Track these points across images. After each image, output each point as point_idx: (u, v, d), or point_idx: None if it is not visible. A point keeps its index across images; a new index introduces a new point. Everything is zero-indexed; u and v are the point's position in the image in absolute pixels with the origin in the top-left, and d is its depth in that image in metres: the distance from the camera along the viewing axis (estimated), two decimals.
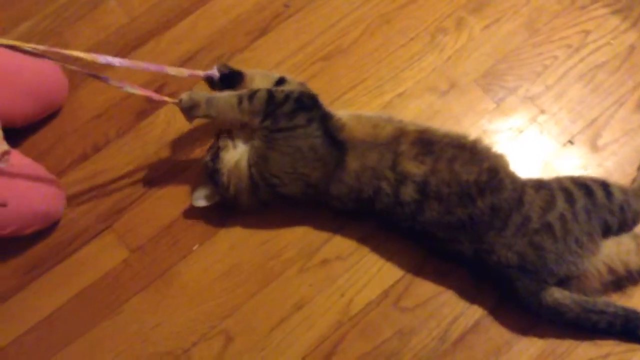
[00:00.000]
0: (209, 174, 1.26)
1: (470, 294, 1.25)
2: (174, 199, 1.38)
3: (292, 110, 1.23)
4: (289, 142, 1.22)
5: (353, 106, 1.43)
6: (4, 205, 1.23)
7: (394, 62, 1.46)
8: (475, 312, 1.24)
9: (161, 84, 1.48)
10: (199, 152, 1.41)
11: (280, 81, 1.33)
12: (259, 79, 1.34)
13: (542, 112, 1.40)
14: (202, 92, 1.25)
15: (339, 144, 1.22)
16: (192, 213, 1.36)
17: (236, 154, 1.26)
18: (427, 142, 1.20)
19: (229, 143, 1.27)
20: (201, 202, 1.29)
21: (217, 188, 1.27)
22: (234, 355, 1.25)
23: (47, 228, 1.36)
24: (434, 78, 1.44)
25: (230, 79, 1.33)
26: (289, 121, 1.22)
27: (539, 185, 1.19)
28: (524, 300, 1.17)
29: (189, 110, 1.24)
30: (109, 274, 1.33)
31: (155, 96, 1.26)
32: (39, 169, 1.36)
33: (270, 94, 1.24)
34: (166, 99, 1.26)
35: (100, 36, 1.54)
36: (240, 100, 1.23)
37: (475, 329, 1.23)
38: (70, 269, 1.34)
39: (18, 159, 1.33)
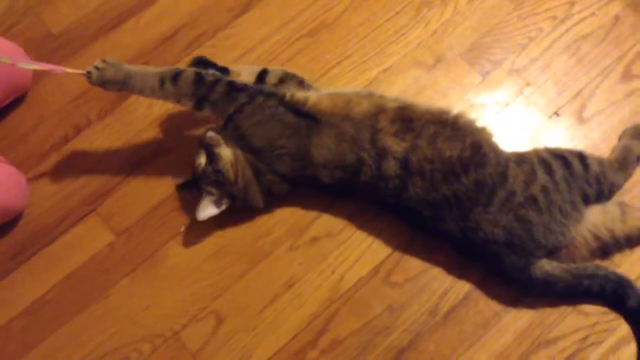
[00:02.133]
0: (212, 178, 1.20)
1: (458, 267, 1.26)
2: (159, 181, 1.35)
3: (226, 92, 1.20)
4: (247, 121, 1.20)
5: (339, 82, 1.41)
6: None
7: (380, 36, 1.45)
8: (464, 286, 1.25)
9: (144, 61, 1.45)
10: (184, 131, 1.39)
11: (263, 72, 1.31)
12: (246, 74, 1.31)
13: (528, 84, 1.40)
14: (121, 65, 1.17)
15: (306, 114, 1.21)
16: (177, 195, 1.34)
17: (230, 148, 1.21)
18: (407, 119, 1.20)
19: (220, 139, 1.20)
20: (209, 212, 1.22)
21: (225, 187, 1.21)
22: (225, 336, 1.25)
23: (9, 222, 1.33)
24: (419, 52, 1.43)
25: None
26: (231, 103, 1.19)
27: (520, 159, 1.19)
28: (514, 276, 1.18)
29: (101, 86, 1.17)
30: (95, 258, 1.31)
31: (57, 69, 1.18)
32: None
33: (198, 75, 1.19)
34: (70, 70, 1.18)
35: (78, 14, 1.50)
36: (162, 82, 1.17)
37: (464, 302, 1.24)
38: (55, 253, 1.32)
39: None
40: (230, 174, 1.20)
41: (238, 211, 1.30)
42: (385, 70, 1.42)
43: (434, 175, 1.16)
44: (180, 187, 1.26)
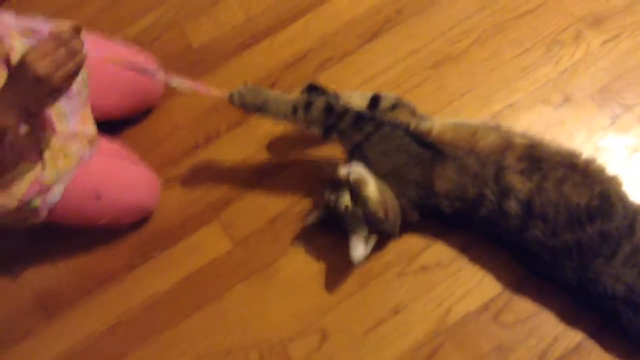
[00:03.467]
0: (361, 219, 1.19)
1: (573, 315, 1.22)
2: (278, 195, 1.41)
3: (354, 121, 1.22)
4: (374, 150, 1.22)
5: (461, 115, 1.41)
6: (97, 197, 1.29)
7: (506, 71, 1.44)
8: (577, 334, 1.21)
9: (273, 81, 1.53)
10: (306, 149, 1.44)
11: (375, 98, 1.33)
12: (357, 98, 1.34)
13: None
14: (259, 90, 1.24)
15: (431, 145, 1.22)
16: (295, 210, 1.39)
17: (373, 183, 1.20)
18: (535, 159, 1.17)
19: (364, 175, 1.20)
20: (361, 251, 1.20)
21: (377, 226, 1.21)
22: (329, 352, 1.27)
23: (140, 221, 1.43)
24: (547, 90, 1.41)
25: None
26: (358, 132, 1.22)
27: None
28: (630, 333, 1.13)
29: (239, 107, 1.24)
30: (213, 262, 1.39)
31: (203, 89, 1.25)
32: (135, 160, 1.42)
33: (328, 105, 1.23)
34: (215, 92, 1.25)
35: (218, 32, 1.60)
36: (294, 110, 1.23)
37: (576, 352, 1.20)
38: (178, 253, 1.41)
39: (116, 151, 1.39)
40: (381, 214, 1.19)
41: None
42: (510, 105, 1.41)
43: (557, 220, 1.13)
44: (311, 226, 1.29)
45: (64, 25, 0.99)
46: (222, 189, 1.44)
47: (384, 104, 1.32)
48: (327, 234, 1.34)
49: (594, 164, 1.18)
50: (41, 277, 1.44)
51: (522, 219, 1.15)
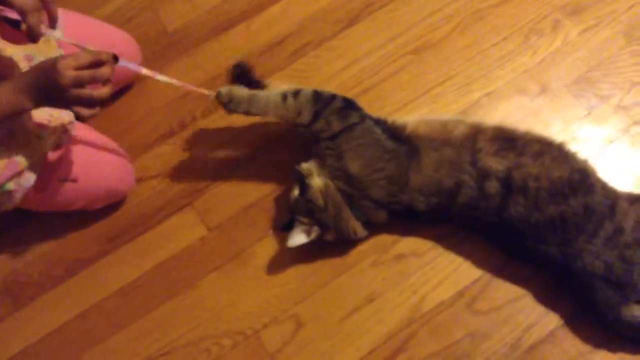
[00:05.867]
0: (304, 208, 1.22)
1: (547, 303, 1.24)
2: (254, 182, 1.39)
3: (341, 108, 1.23)
4: (352, 142, 1.22)
5: (440, 102, 1.41)
6: (74, 180, 1.27)
7: (485, 60, 1.44)
8: (550, 322, 1.22)
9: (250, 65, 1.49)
10: (281, 137, 1.42)
11: (296, 93, 1.29)
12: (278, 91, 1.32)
13: (635, 123, 1.35)
14: (244, 89, 1.25)
15: (406, 141, 1.23)
16: (271, 197, 1.38)
17: (322, 178, 1.24)
18: (507, 138, 1.19)
19: (312, 169, 1.24)
20: (299, 240, 1.23)
21: (315, 215, 1.22)
22: (304, 341, 1.27)
23: (116, 203, 1.41)
24: (525, 80, 1.41)
25: (246, 82, 1.34)
26: (343, 121, 1.22)
27: (634, 198, 1.16)
28: (602, 311, 1.15)
29: (226, 105, 1.23)
30: (187, 249, 1.37)
31: (190, 87, 1.25)
32: (110, 145, 1.39)
33: (315, 91, 1.24)
34: (202, 90, 1.24)
35: (193, 14, 1.56)
36: (284, 97, 1.23)
37: (549, 339, 1.21)
38: (150, 240, 1.38)
39: (91, 135, 1.36)
40: (320, 201, 1.22)
41: None
42: (488, 94, 1.41)
43: (539, 193, 1.15)
44: (285, 228, 1.27)
45: (105, 53, 1.00)
46: (197, 175, 1.42)
47: None
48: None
49: (566, 145, 1.21)
50: (9, 264, 1.40)
51: (502, 197, 1.16)
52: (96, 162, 1.34)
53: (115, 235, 1.40)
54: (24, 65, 1.15)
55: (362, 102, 1.32)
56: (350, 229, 1.25)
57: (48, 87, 0.97)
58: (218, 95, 1.23)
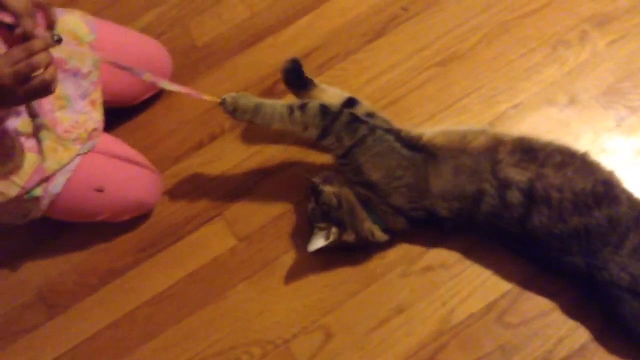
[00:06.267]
0: (319, 213, 1.24)
1: (577, 316, 1.22)
2: (282, 193, 1.41)
3: (348, 122, 1.21)
4: (367, 153, 1.21)
5: (466, 114, 1.41)
6: (100, 190, 1.29)
7: (512, 72, 1.44)
8: (581, 336, 1.21)
9: (276, 79, 1.52)
10: (309, 148, 1.43)
11: (351, 101, 1.32)
12: (331, 94, 1.33)
13: None
14: (251, 97, 1.23)
15: (422, 149, 1.23)
16: (299, 208, 1.39)
17: (335, 185, 1.25)
18: (527, 149, 1.19)
19: (322, 180, 1.26)
20: (318, 243, 1.24)
21: (331, 215, 1.23)
22: (333, 351, 1.27)
23: (144, 215, 1.43)
24: (552, 91, 1.41)
25: (297, 79, 1.32)
26: (353, 134, 1.21)
27: None
28: (628, 324, 1.14)
29: (232, 113, 1.22)
30: (217, 260, 1.39)
31: (194, 93, 1.23)
32: (137, 157, 1.41)
33: (323, 105, 1.22)
34: (206, 97, 1.23)
35: (222, 29, 1.59)
36: (291, 110, 1.21)
37: (580, 353, 1.20)
38: (181, 251, 1.41)
39: (117, 145, 1.38)
40: (334, 200, 1.23)
41: None
42: (515, 106, 1.41)
43: (562, 204, 1.14)
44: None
45: (40, 40, 0.97)
46: (226, 186, 1.44)
47: (360, 109, 1.31)
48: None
49: (589, 155, 1.20)
50: (44, 273, 1.44)
51: (525, 207, 1.15)
52: (123, 173, 1.36)
53: (146, 245, 1.42)
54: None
55: (389, 114, 1.34)
56: (367, 230, 1.25)
57: None
58: (223, 103, 1.21)
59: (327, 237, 1.24)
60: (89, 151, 1.28)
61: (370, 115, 1.30)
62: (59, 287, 1.42)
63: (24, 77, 0.95)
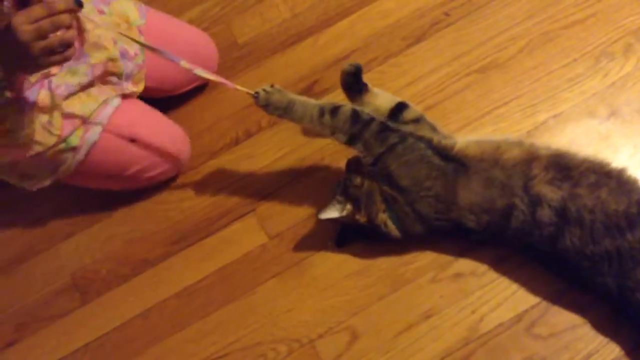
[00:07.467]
0: (342, 185, 1.27)
1: (608, 332, 1.20)
2: (316, 192, 1.42)
3: (378, 131, 1.21)
4: (397, 161, 1.21)
5: (504, 123, 1.40)
6: (133, 140, 1.32)
7: (553, 81, 1.42)
8: (612, 351, 1.19)
9: (315, 79, 1.53)
10: (345, 149, 1.43)
11: (400, 106, 1.31)
12: (383, 99, 1.32)
13: None
14: (285, 92, 1.22)
15: (453, 159, 1.21)
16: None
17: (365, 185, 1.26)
18: (563, 167, 1.16)
19: (357, 179, 1.26)
20: (331, 214, 1.25)
21: (349, 190, 1.25)
22: (358, 353, 1.27)
23: (171, 178, 1.47)
24: (594, 103, 1.38)
25: (354, 83, 1.32)
26: (382, 143, 1.21)
27: None
28: None
29: (264, 107, 1.22)
30: (247, 255, 1.40)
31: (229, 84, 1.24)
32: (164, 118, 1.45)
33: (355, 112, 1.22)
34: (240, 88, 1.22)
35: (263, 28, 1.61)
36: (321, 113, 1.21)
37: None
38: (213, 245, 1.43)
39: (142, 104, 1.41)
40: (358, 180, 1.25)
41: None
42: (555, 116, 1.39)
43: (594, 226, 1.12)
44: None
45: (62, 1, 0.94)
46: (260, 183, 1.46)
47: (408, 114, 1.30)
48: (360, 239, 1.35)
49: (626, 172, 1.17)
50: (79, 260, 1.47)
51: (557, 227, 1.14)
52: (155, 123, 1.41)
53: (179, 238, 1.44)
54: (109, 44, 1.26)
55: None
56: (380, 220, 1.25)
57: (10, 49, 0.94)
58: (256, 97, 1.22)
59: (340, 211, 1.25)
60: (119, 103, 1.31)
61: (417, 120, 1.29)
62: (92, 274, 1.45)
63: (44, 35, 0.93)
